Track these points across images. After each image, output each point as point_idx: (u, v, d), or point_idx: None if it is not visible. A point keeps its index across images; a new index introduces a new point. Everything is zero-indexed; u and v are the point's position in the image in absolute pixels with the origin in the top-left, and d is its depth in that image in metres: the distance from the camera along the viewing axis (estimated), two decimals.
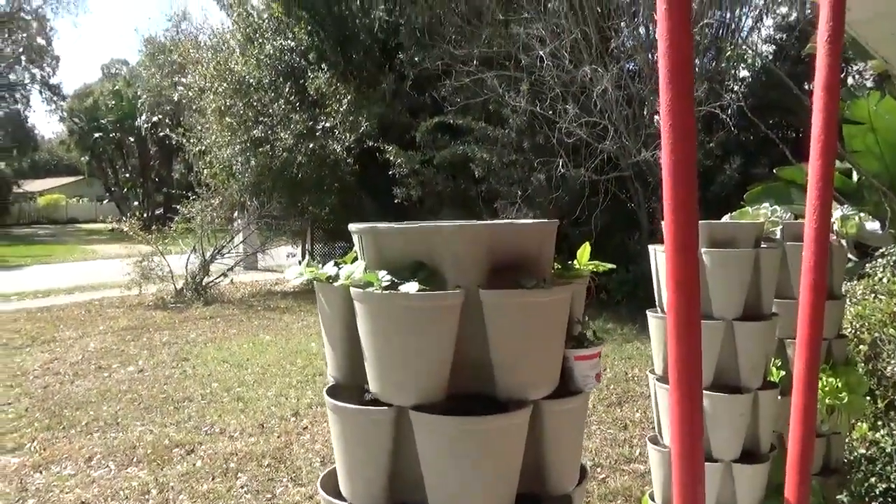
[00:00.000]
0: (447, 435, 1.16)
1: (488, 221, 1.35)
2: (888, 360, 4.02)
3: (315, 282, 1.35)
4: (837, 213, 3.63)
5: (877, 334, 4.09)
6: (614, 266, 1.52)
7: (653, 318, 2.94)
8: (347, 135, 10.63)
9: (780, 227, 3.44)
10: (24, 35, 39.44)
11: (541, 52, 8.12)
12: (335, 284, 1.29)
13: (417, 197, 10.12)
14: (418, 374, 1.19)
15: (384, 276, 1.20)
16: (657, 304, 2.99)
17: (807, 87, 9.41)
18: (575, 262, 1.43)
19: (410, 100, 10.91)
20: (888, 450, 3.72)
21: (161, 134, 27.67)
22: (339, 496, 1.36)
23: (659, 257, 2.90)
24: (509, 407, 1.22)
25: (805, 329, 1.18)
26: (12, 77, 41.19)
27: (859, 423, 3.82)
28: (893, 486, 3.57)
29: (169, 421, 5.09)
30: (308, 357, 7.03)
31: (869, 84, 7.97)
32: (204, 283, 11.23)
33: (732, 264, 2.74)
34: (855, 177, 6.29)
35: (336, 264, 1.38)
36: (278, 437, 4.74)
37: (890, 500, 3.59)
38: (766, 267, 2.84)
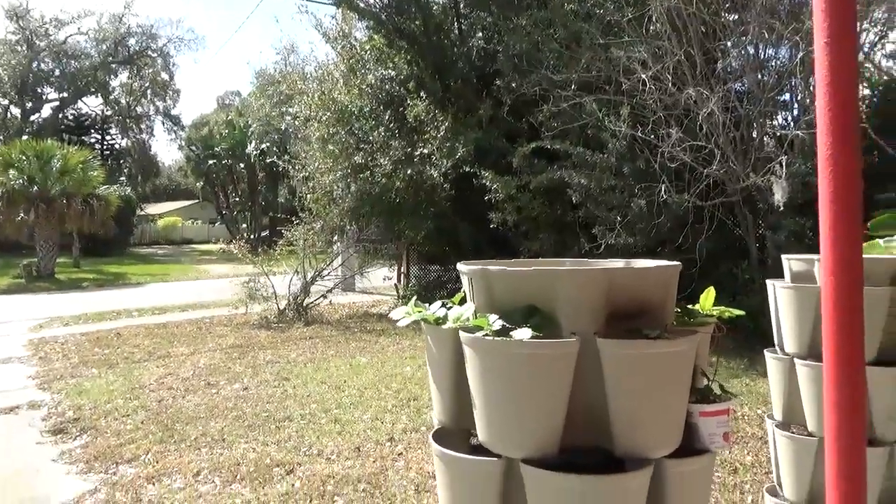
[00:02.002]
0: (561, 493, 1.09)
1: (605, 262, 1.28)
2: None
3: (423, 323, 1.33)
4: None
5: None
6: (743, 312, 1.40)
7: (772, 360, 2.73)
8: (444, 161, 10.75)
9: None
10: (151, 70, 43.01)
11: (643, 76, 7.91)
12: (444, 327, 1.26)
13: (513, 222, 10.05)
14: (529, 425, 1.13)
15: (495, 321, 1.16)
16: (776, 343, 2.78)
17: None
18: (698, 306, 1.33)
19: (507, 125, 10.91)
20: None
21: (268, 161, 29.22)
22: None
23: (779, 294, 2.70)
24: (628, 465, 1.14)
25: None
26: (139, 109, 44.95)
27: None
28: None
29: (270, 440, 5.24)
30: (403, 381, 7.08)
31: None
32: (305, 304, 11.62)
33: (867, 304, 2.50)
34: None
35: (444, 305, 1.35)
36: (373, 461, 4.77)
37: None
38: None
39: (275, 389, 6.80)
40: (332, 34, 12.79)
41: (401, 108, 11.60)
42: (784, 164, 7.04)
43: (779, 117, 9.15)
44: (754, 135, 8.60)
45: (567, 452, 1.16)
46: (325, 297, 12.00)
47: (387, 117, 11.52)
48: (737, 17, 8.46)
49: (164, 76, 43.79)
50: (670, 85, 7.95)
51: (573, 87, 9.08)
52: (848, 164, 0.81)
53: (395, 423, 5.65)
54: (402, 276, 14.09)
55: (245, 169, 37.51)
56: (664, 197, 7.98)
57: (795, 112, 8.72)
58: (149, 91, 44.10)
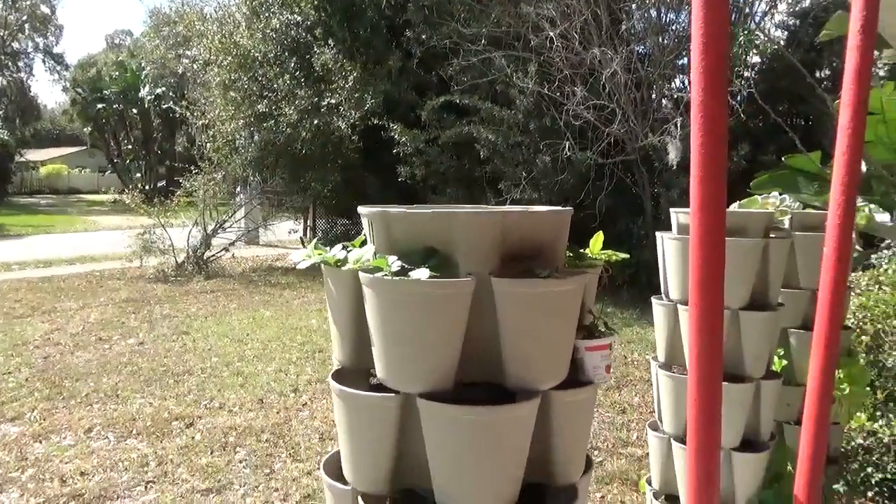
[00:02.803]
0: (455, 424, 1.14)
1: (502, 208, 1.32)
2: (890, 351, 4.02)
3: (323, 265, 1.32)
4: None
5: (879, 325, 4.08)
6: (628, 256, 1.49)
7: (658, 306, 2.92)
8: (352, 112, 10.54)
9: (790, 216, 3.41)
10: (28, 3, 39.09)
11: (551, 33, 8.01)
12: (343, 269, 1.27)
13: (421, 176, 10.06)
14: (427, 362, 1.17)
15: (394, 262, 1.17)
16: (662, 291, 2.97)
17: (819, 74, 9.31)
18: (587, 250, 1.40)
19: (417, 78, 10.80)
20: (885, 440, 3.73)
21: (164, 106, 27.57)
22: (341, 480, 1.35)
23: (666, 245, 2.87)
24: (518, 397, 1.20)
25: (824, 323, 1.15)
26: (16, 45, 40.88)
27: (857, 414, 3.83)
28: (889, 476, 3.59)
29: (169, 394, 5.10)
30: (308, 333, 7.04)
31: (882, 74, 7.87)
32: (205, 257, 11.23)
33: (741, 253, 2.71)
34: (864, 167, 6.24)
35: (344, 247, 1.35)
36: (277, 412, 4.76)
37: (886, 490, 3.61)
38: (775, 257, 2.82)
39: (173, 344, 6.59)
40: None
41: (307, 56, 11.21)
42: (679, 124, 7.40)
43: (676, 80, 9.56)
44: (653, 96, 8.96)
45: (461, 387, 1.21)
46: (227, 250, 11.63)
47: (292, 65, 11.11)
48: None
49: (45, 10, 39.93)
50: (577, 44, 8.11)
51: (483, 41, 9.09)
52: (716, 117, 0.87)
53: (300, 374, 5.64)
54: (309, 229, 13.85)
55: (138, 115, 35.16)
56: (568, 154, 8.22)
57: (692, 76, 9.11)
58: (26, 26, 40.13)
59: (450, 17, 9.51)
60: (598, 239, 1.39)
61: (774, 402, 2.92)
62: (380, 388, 1.28)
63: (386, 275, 1.16)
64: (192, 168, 11.83)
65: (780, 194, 3.84)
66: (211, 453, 4.05)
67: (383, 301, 1.16)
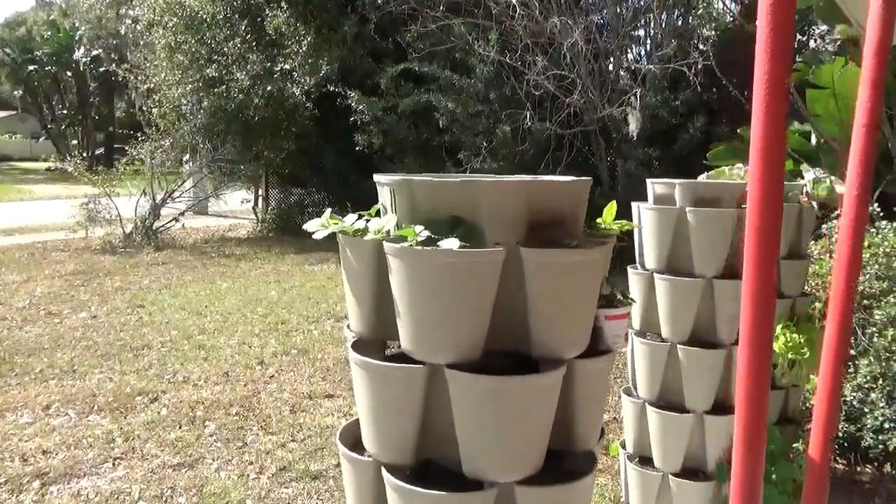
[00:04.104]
0: (485, 394, 1.14)
1: (529, 177, 1.31)
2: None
3: (340, 235, 1.29)
4: (810, 175, 3.72)
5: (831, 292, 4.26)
6: (635, 225, 1.51)
7: (634, 276, 2.98)
8: (307, 78, 10.27)
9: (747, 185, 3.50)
10: None
11: (513, 1, 7.95)
12: (365, 238, 1.24)
13: (379, 145, 9.93)
14: (456, 333, 1.16)
15: (421, 231, 1.15)
16: (638, 261, 3.03)
17: None
18: (601, 220, 1.41)
19: (373, 44, 10.57)
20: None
21: (102, 69, 26.26)
22: (357, 450, 1.34)
23: (643, 215, 2.92)
24: (542, 366, 1.21)
25: (840, 292, 1.19)
26: None
27: (811, 376, 4.02)
28: (841, 434, 3.80)
29: (129, 369, 4.96)
30: (269, 305, 6.93)
31: (830, 48, 8.11)
32: (154, 228, 10.86)
33: (717, 223, 2.78)
34: (813, 139, 6.46)
35: (361, 216, 1.32)
36: (244, 385, 4.69)
37: (836, 447, 3.83)
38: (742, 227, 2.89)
39: (128, 317, 6.39)
40: None
41: (259, 19, 10.84)
42: (638, 96, 7.49)
43: (632, 51, 9.65)
44: (611, 67, 9.02)
45: (488, 356, 1.21)
46: (176, 220, 11.27)
47: (243, 27, 10.71)
48: None
49: None
50: (537, 13, 8.07)
51: (442, 7, 8.95)
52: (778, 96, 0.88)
53: (264, 347, 5.56)
54: (261, 198, 13.54)
55: (73, 78, 33.40)
56: (528, 124, 8.24)
57: (649, 48, 9.22)
58: None
59: None
60: (611, 209, 1.40)
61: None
62: (400, 357, 1.27)
63: (414, 245, 1.14)
64: (137, 134, 11.36)
65: (738, 165, 3.92)
66: (179, 428, 3.97)
67: (412, 272, 1.14)
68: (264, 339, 5.78)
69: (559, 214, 1.23)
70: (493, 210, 1.17)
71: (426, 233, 1.15)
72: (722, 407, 2.89)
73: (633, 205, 2.99)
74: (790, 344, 3.56)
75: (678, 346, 2.84)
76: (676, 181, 2.89)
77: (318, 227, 1.31)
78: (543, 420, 1.19)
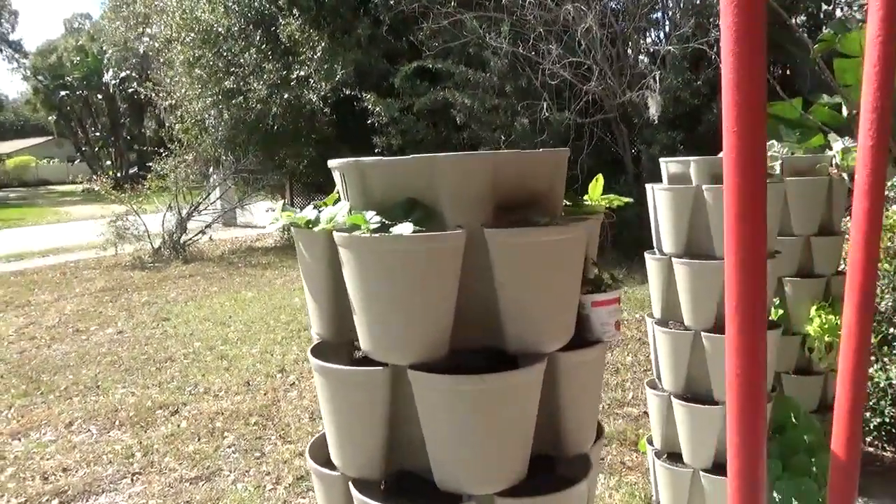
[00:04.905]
0: (452, 396, 1.01)
1: (492, 152, 1.17)
2: (882, 295, 3.96)
3: (293, 227, 1.18)
4: (838, 145, 3.49)
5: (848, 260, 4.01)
6: (630, 200, 1.36)
7: (651, 261, 2.80)
8: (323, 84, 10.23)
9: (780, 161, 3.29)
10: None
11: None
12: (316, 230, 1.12)
13: (398, 146, 9.84)
14: (416, 329, 1.03)
15: (372, 218, 1.03)
16: (655, 245, 2.86)
17: (794, 21, 9.16)
18: (586, 196, 1.26)
19: (387, 45, 10.49)
20: (882, 384, 3.69)
21: (130, 90, 26.79)
22: (329, 465, 1.23)
23: (657, 196, 2.75)
24: (521, 361, 1.08)
25: (858, 266, 1.03)
26: None
27: None
28: (887, 419, 3.56)
29: (151, 382, 4.94)
30: (292, 312, 6.89)
31: (858, 16, 7.75)
32: (182, 242, 10.96)
33: (694, 205, 2.60)
34: (844, 111, 6.15)
35: (315, 207, 1.21)
36: (265, 394, 4.63)
37: (884, 433, 3.59)
38: (770, 204, 2.70)
39: (153, 331, 6.41)
40: None
41: (272, 28, 10.85)
42: (658, 79, 7.25)
43: (651, 34, 9.38)
44: (629, 52, 8.78)
45: (456, 355, 1.08)
46: (203, 232, 11.37)
47: (258, 38, 10.73)
48: None
49: None
50: (549, 0, 7.89)
51: (453, 3, 8.82)
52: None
53: (286, 354, 5.50)
54: (286, 207, 13.58)
55: (104, 100, 34.15)
56: (546, 115, 8.05)
57: (667, 29, 8.96)
58: None
59: None
60: (597, 183, 1.26)
61: (775, 354, 2.85)
62: (365, 361, 1.15)
63: (364, 233, 1.02)
64: (162, 151, 11.50)
65: (769, 141, 3.69)
66: (198, 440, 3.92)
67: (363, 263, 1.02)
68: (286, 346, 5.72)
69: (532, 192, 1.09)
70: (454, 190, 1.04)
71: (378, 218, 1.03)
72: None
73: (648, 186, 2.83)
74: (826, 326, 3.34)
75: (702, 333, 2.65)
76: (692, 158, 2.71)
77: (271, 220, 1.20)
78: (523, 424, 1.06)
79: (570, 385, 1.13)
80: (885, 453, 3.47)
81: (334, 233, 1.07)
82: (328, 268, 1.13)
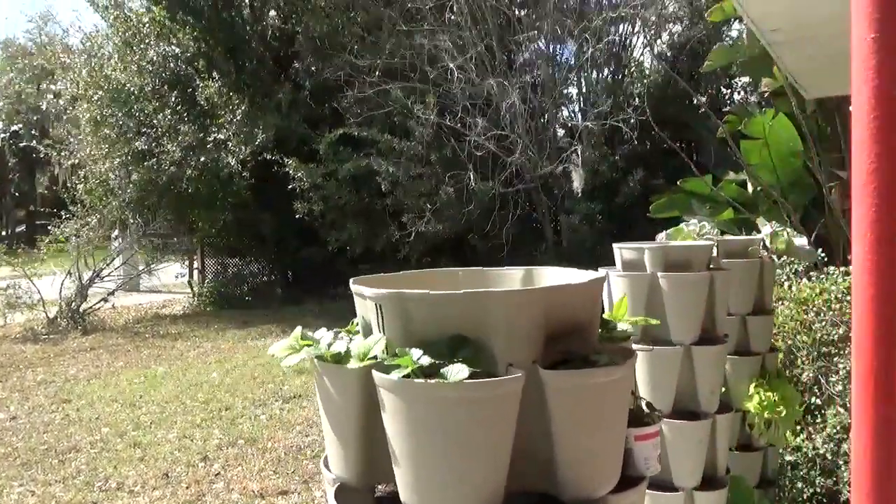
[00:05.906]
0: None
1: (543, 286, 1.12)
2: (802, 366, 4.17)
3: (316, 361, 1.07)
4: (766, 229, 3.70)
5: (790, 342, 4.23)
6: (658, 322, 1.34)
7: None
8: (242, 147, 10.01)
9: (714, 244, 3.45)
10: None
11: (450, 65, 8.01)
12: (348, 367, 1.02)
13: (319, 211, 9.70)
14: (471, 481, 0.94)
15: (420, 357, 0.94)
16: None
17: (694, 101, 9.92)
18: (611, 316, 1.23)
19: (309, 111, 10.46)
20: (810, 454, 3.84)
21: (22, 145, 25.21)
22: None
23: (613, 281, 2.78)
24: None
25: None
26: None
27: (788, 435, 3.93)
28: (818, 489, 3.69)
29: (53, 478, 4.43)
30: (210, 389, 6.46)
31: (752, 99, 8.49)
32: (81, 310, 10.17)
33: (690, 288, 2.67)
34: (750, 188, 6.63)
35: (336, 334, 1.10)
36: (187, 487, 4.24)
37: (815, 503, 3.71)
38: (720, 289, 2.80)
39: (52, 415, 5.80)
40: (102, 2, 11.25)
41: (189, 90, 10.58)
42: (579, 152, 7.58)
43: (567, 109, 9.85)
44: (547, 125, 9.17)
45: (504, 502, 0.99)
46: (105, 300, 10.62)
47: (173, 99, 10.42)
48: (529, 11, 8.91)
49: None
50: (474, 75, 8.16)
51: (377, 73, 8.95)
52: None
53: (207, 439, 5.11)
54: (197, 271, 12.98)
55: None
56: (471, 184, 8.20)
57: (582, 104, 9.44)
58: None
59: (341, 49, 9.31)
60: (623, 303, 1.23)
61: (730, 435, 2.90)
62: (391, 501, 1.04)
63: (414, 376, 0.93)
64: (61, 212, 10.76)
65: (692, 220, 3.88)
66: None
67: (412, 410, 0.93)
68: (207, 429, 5.32)
69: (577, 322, 1.05)
70: (506, 325, 0.97)
71: (426, 358, 0.94)
72: (709, 480, 2.75)
73: (601, 270, 2.86)
74: (765, 403, 3.45)
75: (664, 420, 2.67)
76: (644, 245, 2.78)
77: (286, 351, 1.08)
78: None
79: None
80: None
81: (374, 373, 0.97)
82: (361, 408, 1.02)
